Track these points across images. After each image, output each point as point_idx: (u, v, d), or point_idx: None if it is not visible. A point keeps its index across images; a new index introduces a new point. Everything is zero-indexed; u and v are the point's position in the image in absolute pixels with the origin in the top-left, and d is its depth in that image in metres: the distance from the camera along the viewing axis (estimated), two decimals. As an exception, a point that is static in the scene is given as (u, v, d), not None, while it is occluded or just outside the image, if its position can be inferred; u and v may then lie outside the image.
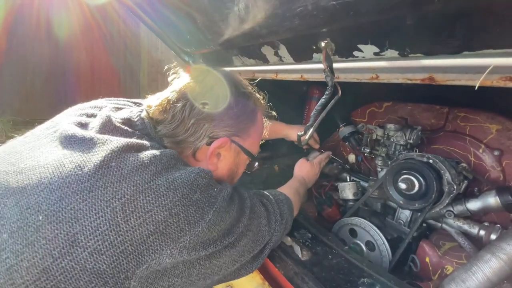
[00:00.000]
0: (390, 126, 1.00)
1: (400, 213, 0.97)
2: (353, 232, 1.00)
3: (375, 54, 0.39)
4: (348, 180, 1.15)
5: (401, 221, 0.96)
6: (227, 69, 0.98)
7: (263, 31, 0.50)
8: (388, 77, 0.45)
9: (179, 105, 0.55)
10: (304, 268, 0.75)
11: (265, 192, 0.77)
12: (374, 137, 1.06)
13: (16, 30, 3.78)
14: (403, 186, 0.83)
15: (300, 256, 0.79)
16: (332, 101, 0.52)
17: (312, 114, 0.51)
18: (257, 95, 0.62)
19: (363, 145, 1.11)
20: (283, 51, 0.55)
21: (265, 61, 0.65)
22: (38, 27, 3.89)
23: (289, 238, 0.84)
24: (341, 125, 1.22)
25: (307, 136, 0.60)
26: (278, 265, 0.79)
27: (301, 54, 0.52)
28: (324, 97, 0.46)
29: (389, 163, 0.99)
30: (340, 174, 1.24)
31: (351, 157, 1.24)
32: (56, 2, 3.97)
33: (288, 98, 1.53)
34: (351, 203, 1.13)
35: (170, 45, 1.05)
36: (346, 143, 1.24)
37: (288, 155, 1.80)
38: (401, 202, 0.87)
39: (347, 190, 1.10)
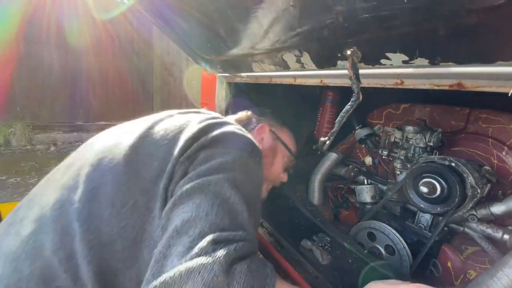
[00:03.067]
0: (409, 128, 0.99)
1: (421, 216, 0.96)
2: (371, 236, 1.00)
3: (404, 62, 0.39)
4: (366, 183, 1.14)
5: (422, 225, 0.95)
6: (245, 74, 0.99)
7: (288, 41, 0.51)
8: (414, 83, 0.45)
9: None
10: (324, 272, 0.76)
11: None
12: (392, 139, 1.05)
13: (30, 36, 3.90)
14: (424, 189, 0.82)
15: (320, 260, 0.79)
16: (354, 106, 0.53)
17: (337, 120, 0.52)
18: None
19: (380, 148, 1.10)
20: (305, 58, 0.56)
21: (286, 68, 0.66)
22: (50, 33, 4.01)
23: (308, 242, 0.84)
24: (357, 127, 1.21)
25: (328, 141, 0.61)
26: (298, 269, 0.79)
27: (325, 61, 0.52)
28: (349, 103, 0.47)
29: (409, 166, 0.98)
30: (357, 176, 1.23)
31: (368, 160, 1.23)
32: (69, 12, 4.09)
33: (299, 100, 1.53)
34: (368, 206, 1.12)
35: (187, 52, 1.08)
36: (363, 145, 1.23)
37: (302, 157, 1.80)
38: (422, 206, 0.86)
39: (365, 193, 1.10)
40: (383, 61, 0.41)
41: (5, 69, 3.88)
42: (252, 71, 0.83)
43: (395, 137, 1.04)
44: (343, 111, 0.49)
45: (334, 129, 0.56)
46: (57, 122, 4.20)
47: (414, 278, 0.85)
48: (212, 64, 1.06)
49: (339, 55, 0.46)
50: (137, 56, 4.73)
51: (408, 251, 0.89)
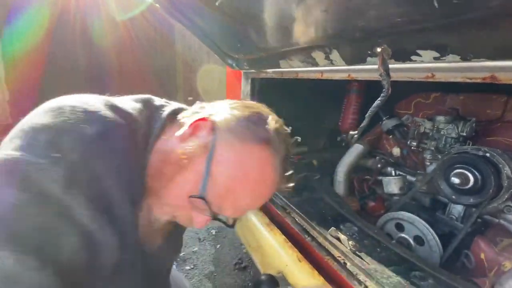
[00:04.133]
0: (440, 118, 0.96)
1: (452, 208, 0.94)
2: (399, 227, 1.00)
3: (435, 58, 0.40)
4: (394, 174, 1.14)
5: (453, 216, 0.94)
6: (271, 70, 1.02)
7: (319, 41, 0.53)
8: (445, 76, 0.45)
9: None
10: (353, 260, 0.78)
11: None
12: (421, 130, 1.03)
13: (56, 36, 4.13)
14: (456, 180, 0.81)
15: (348, 248, 0.82)
16: (384, 101, 0.54)
17: (367, 115, 0.53)
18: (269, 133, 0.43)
19: (409, 138, 1.08)
20: (335, 55, 0.57)
21: (314, 64, 0.68)
22: (76, 34, 4.23)
23: (336, 231, 0.87)
24: (384, 118, 1.20)
25: (357, 135, 0.62)
26: (328, 257, 0.83)
27: (354, 58, 0.53)
28: (380, 98, 0.48)
29: (439, 156, 0.97)
30: (384, 168, 1.23)
31: (396, 151, 1.22)
32: (93, 12, 4.29)
33: (323, 93, 1.52)
34: (396, 197, 1.12)
35: (215, 51, 1.12)
36: (390, 136, 1.22)
37: (326, 149, 1.81)
38: (453, 197, 0.85)
39: (393, 185, 1.09)
40: (413, 57, 0.42)
41: (35, 70, 4.19)
42: (279, 67, 0.86)
43: (425, 128, 1.02)
44: (373, 105, 0.50)
45: (363, 123, 0.57)
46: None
47: (445, 269, 0.85)
48: (238, 62, 1.10)
49: (369, 52, 0.48)
50: (161, 55, 4.89)
51: (438, 241, 0.88)
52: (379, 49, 0.43)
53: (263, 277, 0.73)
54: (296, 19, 0.51)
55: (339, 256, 0.82)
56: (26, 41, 3.89)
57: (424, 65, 0.44)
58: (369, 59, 0.50)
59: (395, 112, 1.23)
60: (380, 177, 1.19)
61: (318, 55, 0.62)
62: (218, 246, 1.81)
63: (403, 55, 0.44)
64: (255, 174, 0.42)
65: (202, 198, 0.42)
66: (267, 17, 0.57)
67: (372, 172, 1.26)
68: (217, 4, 0.61)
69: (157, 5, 0.96)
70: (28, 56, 3.94)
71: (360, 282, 0.75)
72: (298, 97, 1.52)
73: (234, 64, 1.14)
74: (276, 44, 0.67)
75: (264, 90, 1.28)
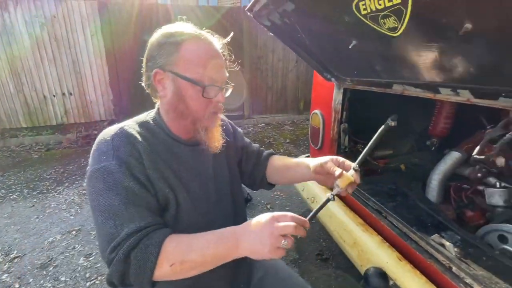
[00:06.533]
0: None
1: None
2: (503, 239, 1.01)
3: None
4: (498, 186, 1.13)
5: None
6: (376, 89, 1.09)
7: (447, 79, 0.60)
8: None
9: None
10: (459, 265, 0.86)
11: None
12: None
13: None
14: None
15: (453, 254, 0.90)
16: None
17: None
18: (190, 31, 0.66)
19: (519, 150, 1.06)
20: (464, 92, 0.63)
21: (436, 93, 0.75)
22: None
23: (439, 237, 0.95)
24: (488, 127, 1.18)
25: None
26: (431, 260, 0.92)
27: (486, 96, 0.60)
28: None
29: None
30: (484, 178, 1.21)
31: (500, 161, 1.18)
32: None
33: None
34: (500, 209, 1.11)
35: (314, 67, 1.27)
36: (494, 146, 1.19)
37: (413, 153, 1.80)
38: None
39: (497, 197, 1.09)
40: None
41: (131, 70, 4.92)
42: (390, 88, 0.94)
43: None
44: None
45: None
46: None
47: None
48: (340, 80, 1.21)
49: (504, 94, 0.54)
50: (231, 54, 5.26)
51: (554, 258, 0.88)
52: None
53: (373, 270, 0.86)
54: (432, 61, 0.60)
55: (443, 260, 0.90)
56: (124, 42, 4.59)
57: None
58: (502, 99, 0.56)
59: (503, 121, 1.19)
60: (480, 187, 1.18)
61: (445, 91, 0.69)
62: (298, 237, 2.00)
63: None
64: (200, 50, 0.66)
65: (196, 84, 0.65)
66: (396, 51, 0.67)
67: (469, 181, 1.25)
68: (350, 47, 0.75)
69: (270, 33, 1.15)
70: (125, 58, 4.67)
71: (466, 285, 0.82)
72: (384, 102, 1.55)
73: (332, 79, 1.26)
74: (398, 76, 0.76)
75: (355, 99, 1.37)
